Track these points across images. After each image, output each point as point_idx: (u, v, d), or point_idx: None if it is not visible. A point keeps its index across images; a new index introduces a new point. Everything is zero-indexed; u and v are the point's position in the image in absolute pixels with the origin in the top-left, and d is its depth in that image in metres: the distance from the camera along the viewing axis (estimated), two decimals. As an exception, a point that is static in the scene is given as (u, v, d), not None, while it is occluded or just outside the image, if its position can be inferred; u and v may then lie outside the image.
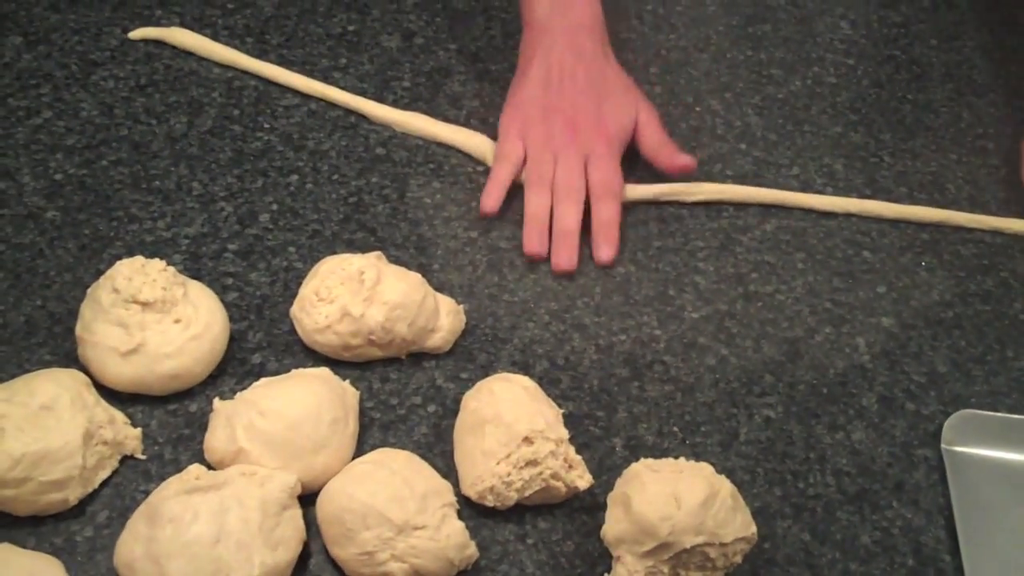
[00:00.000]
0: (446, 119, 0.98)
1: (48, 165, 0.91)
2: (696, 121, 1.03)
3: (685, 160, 0.93)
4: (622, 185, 0.92)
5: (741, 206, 0.96)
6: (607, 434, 0.80)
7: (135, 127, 0.95)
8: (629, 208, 0.94)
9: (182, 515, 0.68)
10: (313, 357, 0.81)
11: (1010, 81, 1.10)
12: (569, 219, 0.89)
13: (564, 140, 0.91)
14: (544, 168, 0.91)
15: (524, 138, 0.92)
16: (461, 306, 0.85)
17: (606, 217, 0.90)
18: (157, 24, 1.03)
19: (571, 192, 0.90)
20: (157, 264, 0.78)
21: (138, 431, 0.76)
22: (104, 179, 0.91)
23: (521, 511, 0.75)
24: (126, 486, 0.74)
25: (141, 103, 0.97)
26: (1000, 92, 1.09)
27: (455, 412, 0.79)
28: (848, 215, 0.97)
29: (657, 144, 0.94)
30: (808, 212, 0.97)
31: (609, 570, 0.73)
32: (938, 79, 1.10)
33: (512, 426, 0.75)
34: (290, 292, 0.84)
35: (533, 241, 0.89)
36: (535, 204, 0.90)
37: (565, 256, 0.88)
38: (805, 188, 0.98)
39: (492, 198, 0.90)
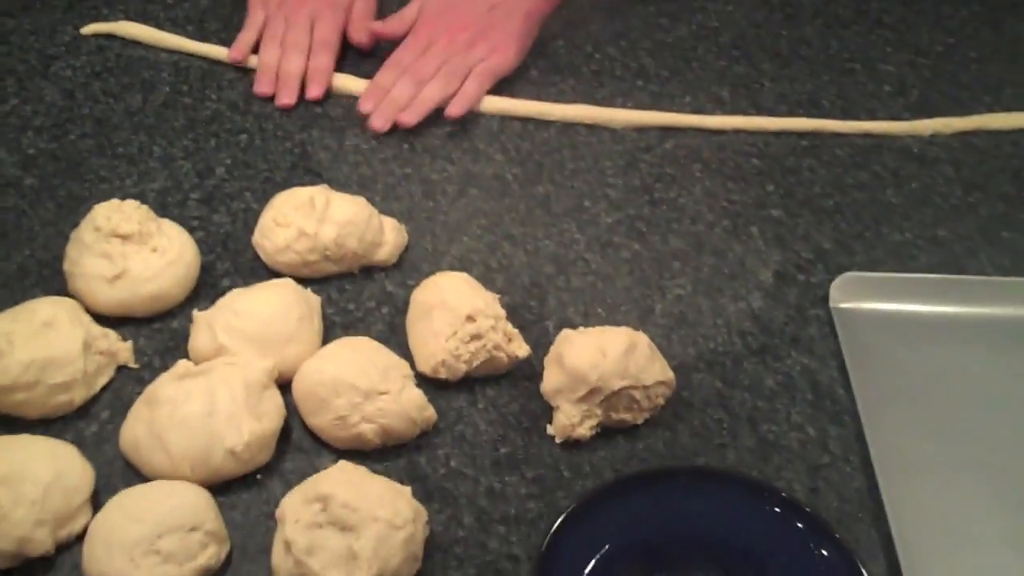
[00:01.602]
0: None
1: (20, 142, 1.02)
2: (596, 66, 1.16)
3: (364, 37, 1.13)
4: (339, 41, 1.11)
5: (642, 130, 1.09)
6: (540, 318, 0.91)
7: (95, 106, 1.06)
8: (543, 135, 1.06)
9: (176, 397, 0.79)
10: (276, 277, 0.92)
11: (871, 13, 1.24)
12: (291, 65, 1.08)
13: (294, 5, 1.11)
14: (276, 28, 1.11)
15: (265, 8, 1.12)
16: (402, 225, 0.96)
17: (317, 64, 1.09)
18: (105, 20, 1.14)
19: (295, 46, 1.09)
20: (131, 203, 0.89)
21: (129, 343, 0.86)
22: (73, 150, 1.02)
23: (471, 383, 0.86)
24: (123, 390, 0.84)
25: (98, 86, 1.08)
26: (864, 23, 1.23)
27: (406, 311, 0.90)
28: (737, 131, 1.10)
29: (357, 18, 1.13)
30: (701, 131, 1.09)
31: (550, 421, 0.84)
32: (808, 16, 1.24)
33: (456, 309, 0.86)
34: (249, 228, 0.95)
35: (263, 84, 1.08)
36: (267, 56, 1.09)
37: (286, 94, 1.07)
38: (697, 113, 1.11)
39: (236, 50, 1.10)
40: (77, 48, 1.12)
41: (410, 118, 1.04)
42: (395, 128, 1.04)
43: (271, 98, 1.08)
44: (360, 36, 1.12)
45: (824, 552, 0.71)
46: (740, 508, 0.73)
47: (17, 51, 1.10)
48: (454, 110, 1.05)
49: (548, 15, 1.13)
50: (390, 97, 1.05)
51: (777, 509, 0.73)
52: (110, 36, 1.13)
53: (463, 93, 1.06)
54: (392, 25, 1.11)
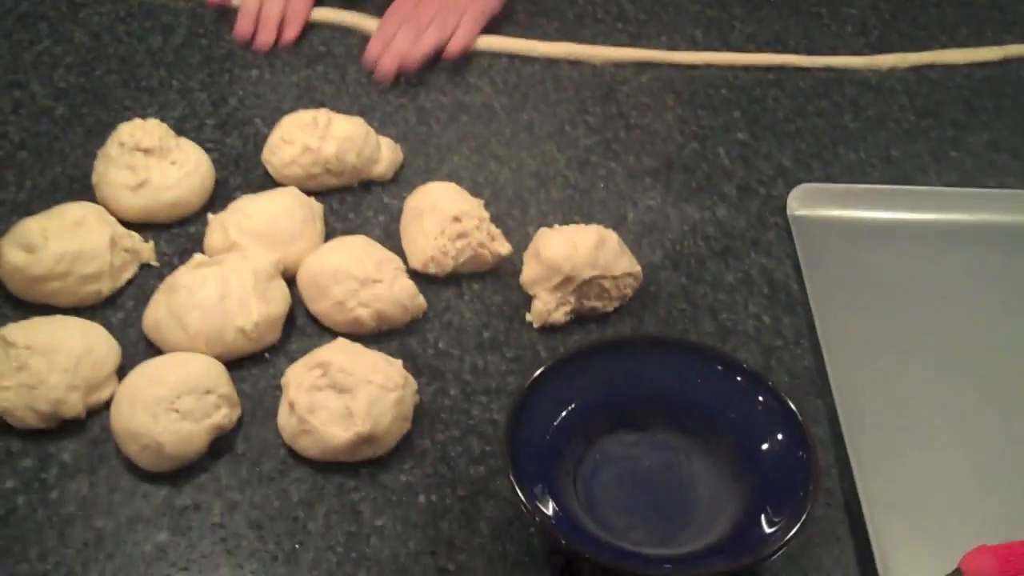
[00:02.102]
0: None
1: (52, 77, 1.12)
2: (579, 10, 1.25)
3: None
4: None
5: (620, 65, 1.18)
6: (521, 224, 1.01)
7: (119, 46, 1.16)
8: (529, 69, 1.15)
9: (193, 283, 0.88)
10: (283, 190, 1.01)
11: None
12: (271, 9, 1.17)
13: None
14: None
15: None
16: (398, 144, 1.06)
17: (293, 7, 1.18)
18: (130, -28, 1.24)
19: None
20: (153, 121, 0.99)
21: (151, 243, 0.96)
22: (100, 84, 1.12)
23: (458, 278, 0.96)
24: (145, 284, 0.94)
25: (123, 29, 1.18)
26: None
27: (400, 220, 0.99)
28: (707, 65, 1.19)
29: None
30: (674, 66, 1.19)
31: (529, 310, 0.93)
32: (778, -34, 1.33)
33: (444, 211, 0.95)
34: (259, 149, 1.04)
35: (243, 26, 1.16)
36: (248, 3, 1.17)
37: (265, 35, 1.16)
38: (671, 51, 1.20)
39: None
40: (103, -3, 1.22)
41: (410, 65, 1.13)
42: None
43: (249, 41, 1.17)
44: None
45: (762, 399, 0.79)
46: (690, 369, 0.82)
47: (48, -1, 1.21)
48: (452, 52, 1.15)
49: None
50: (392, 47, 1.14)
51: (720, 367, 0.82)
52: (133, -14, 1.23)
53: (458, 35, 1.16)
54: None
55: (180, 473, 0.81)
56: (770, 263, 0.99)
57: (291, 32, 1.17)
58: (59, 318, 0.87)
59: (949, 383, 0.89)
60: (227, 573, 0.76)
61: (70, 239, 0.90)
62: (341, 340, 0.86)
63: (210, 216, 0.95)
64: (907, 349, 0.92)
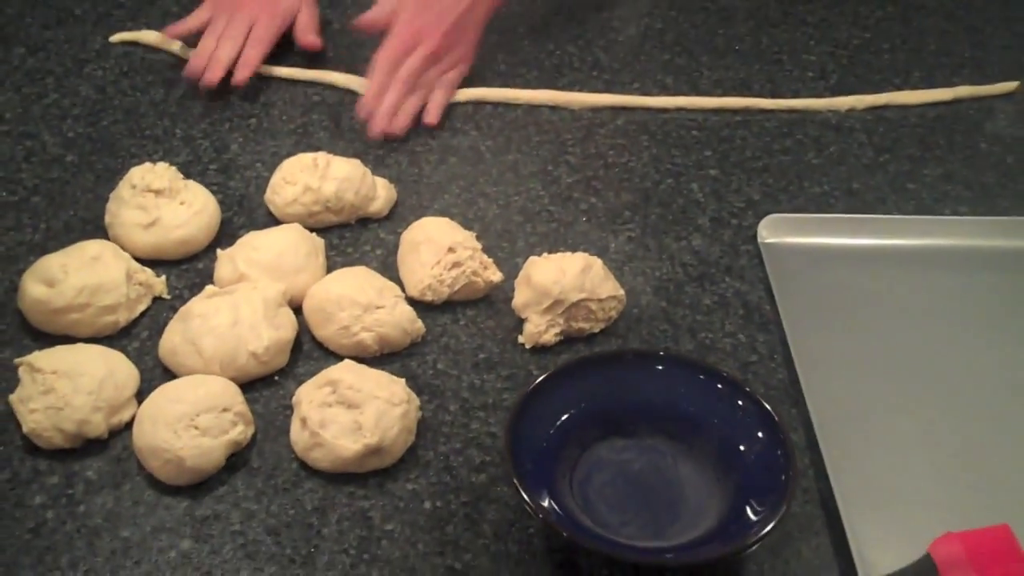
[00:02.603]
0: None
1: (61, 128, 1.19)
2: (557, 60, 1.33)
3: (310, 41, 1.29)
4: (271, 42, 1.28)
5: (596, 110, 1.26)
6: (510, 256, 1.07)
7: (124, 99, 1.23)
8: (512, 115, 1.23)
9: (207, 311, 0.94)
10: (285, 227, 1.08)
11: (797, 14, 1.43)
12: (223, 52, 1.24)
13: (239, 8, 1.27)
14: (218, 24, 1.26)
15: (213, 9, 1.28)
16: (392, 184, 1.13)
17: (247, 54, 1.25)
18: (129, 31, 1.32)
19: (231, 38, 1.25)
20: (162, 164, 1.06)
21: (163, 278, 1.02)
22: (107, 133, 1.19)
23: (453, 305, 1.02)
24: (159, 316, 1.00)
25: (127, 83, 1.25)
26: (791, 22, 1.41)
27: (396, 253, 1.06)
28: (679, 109, 1.27)
29: (301, 27, 1.30)
30: (648, 110, 1.27)
31: (521, 332, 1.00)
32: (742, 18, 1.42)
33: (439, 242, 1.02)
34: (261, 190, 1.11)
35: (193, 67, 1.24)
36: (204, 44, 1.25)
37: (212, 73, 1.23)
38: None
39: (172, 29, 1.28)
40: (106, 53, 1.29)
41: (398, 130, 1.21)
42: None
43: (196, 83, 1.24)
44: (305, 39, 1.30)
45: (741, 404, 0.86)
46: (675, 380, 0.89)
47: (54, 56, 1.28)
48: (430, 119, 1.22)
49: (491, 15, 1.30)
50: (382, 109, 1.21)
51: (702, 377, 0.88)
52: (134, 43, 1.30)
53: (435, 102, 1.23)
54: (374, 21, 1.27)
55: (200, 487, 0.87)
56: (744, 287, 1.06)
57: (240, 75, 1.24)
58: (81, 346, 0.93)
59: (911, 390, 0.96)
60: (248, 576, 0.82)
61: (89, 273, 0.96)
62: (348, 361, 0.92)
63: (219, 251, 1.01)
64: (872, 361, 0.99)
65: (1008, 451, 0.92)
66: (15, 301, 0.98)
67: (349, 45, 1.33)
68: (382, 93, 1.21)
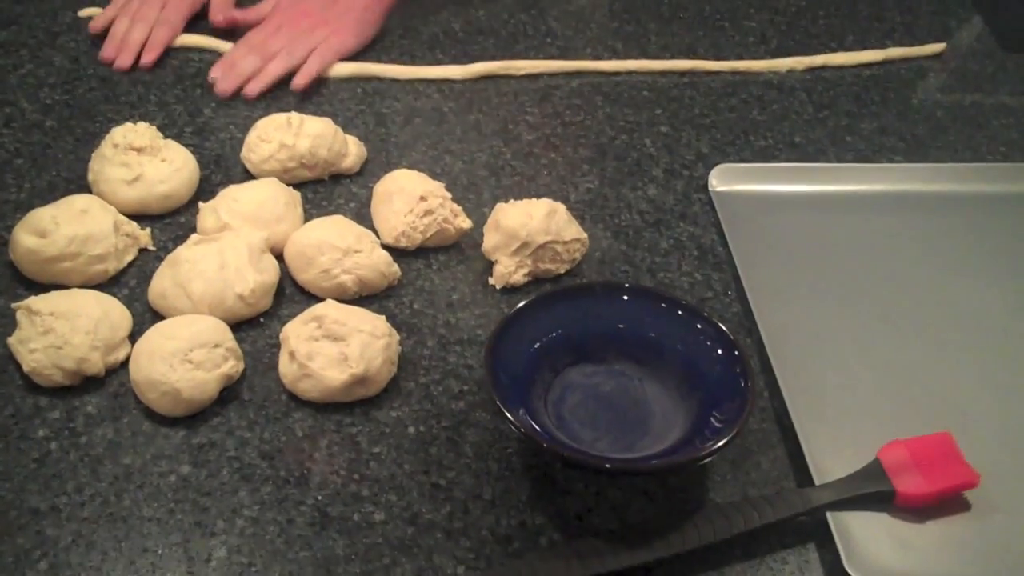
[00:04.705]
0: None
1: (39, 95, 1.23)
2: (512, 29, 1.40)
3: (220, 20, 1.33)
4: (182, 22, 1.32)
5: (553, 75, 1.33)
6: (477, 207, 1.13)
7: (98, 68, 1.27)
8: (472, 82, 1.29)
9: (194, 257, 0.99)
10: (262, 183, 1.13)
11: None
12: (133, 35, 1.28)
13: None
14: (132, 5, 1.31)
15: None
16: (362, 142, 1.19)
17: (154, 36, 1.29)
18: (99, 5, 1.36)
19: (143, 19, 1.30)
20: (143, 124, 1.10)
21: (148, 230, 1.07)
22: (83, 100, 1.23)
23: (426, 251, 1.08)
24: (145, 266, 1.04)
25: (99, 53, 1.29)
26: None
27: (369, 205, 1.12)
28: (629, 72, 1.34)
29: (215, 5, 1.34)
30: (601, 74, 1.33)
31: (491, 275, 1.06)
32: (685, -11, 1.50)
33: (411, 192, 1.08)
34: (236, 150, 1.16)
35: (108, 51, 1.28)
36: (118, 27, 1.30)
37: (124, 58, 1.28)
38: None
39: (94, 24, 1.32)
40: (77, 26, 1.33)
41: (254, 89, 1.25)
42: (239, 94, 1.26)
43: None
44: (216, 17, 1.33)
45: (700, 327, 0.93)
46: (639, 308, 0.95)
47: (27, 29, 1.32)
48: (298, 82, 1.26)
49: (391, 5, 1.35)
50: (237, 68, 1.26)
51: (664, 305, 0.95)
52: (103, 17, 1.34)
53: (305, 68, 1.28)
54: (250, 13, 1.33)
55: (195, 417, 0.92)
56: (697, 231, 1.13)
57: (147, 58, 1.28)
58: (76, 291, 0.97)
59: (855, 316, 1.04)
60: (245, 496, 0.87)
61: (78, 224, 1.00)
62: (331, 300, 0.97)
63: (201, 204, 1.06)
64: (818, 292, 1.06)
65: (945, 367, 1.00)
66: (5, 255, 1.01)
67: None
68: (235, 61, 1.26)
